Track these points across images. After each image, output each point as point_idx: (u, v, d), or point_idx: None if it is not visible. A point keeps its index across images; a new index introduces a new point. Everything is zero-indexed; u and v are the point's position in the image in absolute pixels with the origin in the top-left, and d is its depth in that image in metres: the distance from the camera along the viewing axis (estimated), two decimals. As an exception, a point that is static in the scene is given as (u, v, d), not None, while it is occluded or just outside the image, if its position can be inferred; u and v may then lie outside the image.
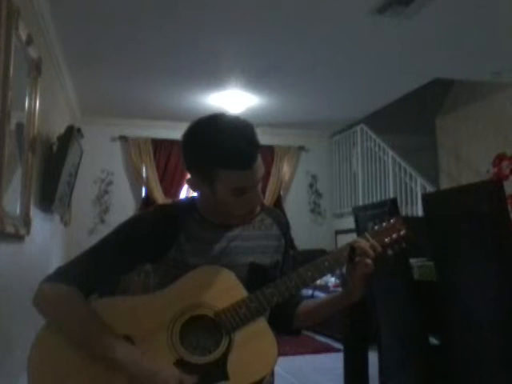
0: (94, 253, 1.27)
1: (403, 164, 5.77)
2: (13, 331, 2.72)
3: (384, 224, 1.33)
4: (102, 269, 1.24)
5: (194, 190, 1.30)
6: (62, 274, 1.23)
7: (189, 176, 1.28)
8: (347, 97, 5.55)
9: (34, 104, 3.03)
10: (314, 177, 6.97)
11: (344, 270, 1.31)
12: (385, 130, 6.17)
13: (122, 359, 1.12)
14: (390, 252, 1.31)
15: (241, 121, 1.22)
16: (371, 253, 1.24)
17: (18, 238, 2.83)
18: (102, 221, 6.02)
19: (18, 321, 2.81)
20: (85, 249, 1.28)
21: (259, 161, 1.20)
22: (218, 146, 1.16)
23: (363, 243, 1.26)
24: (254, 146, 1.18)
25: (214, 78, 4.81)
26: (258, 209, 1.31)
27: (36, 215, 3.36)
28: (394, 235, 1.32)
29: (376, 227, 1.33)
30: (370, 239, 1.27)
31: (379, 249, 1.26)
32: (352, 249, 1.25)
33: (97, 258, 1.26)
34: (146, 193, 6.25)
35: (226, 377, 1.15)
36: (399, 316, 2.23)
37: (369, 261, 1.23)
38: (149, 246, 1.27)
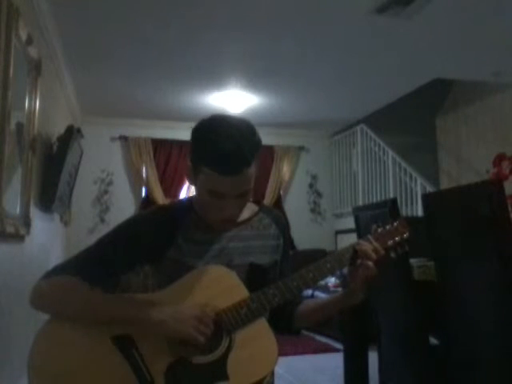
0: (92, 251, 1.26)
1: (403, 164, 5.77)
2: (13, 331, 2.72)
3: (387, 227, 1.32)
4: (99, 267, 1.24)
5: (188, 180, 1.30)
6: (60, 270, 1.23)
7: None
8: (347, 97, 5.55)
9: (34, 104, 3.03)
10: (314, 177, 6.96)
11: (345, 270, 1.30)
12: (385, 130, 6.17)
13: (143, 313, 1.15)
14: (392, 255, 1.31)
15: (243, 130, 1.19)
16: (374, 256, 1.24)
17: (18, 237, 2.83)
18: (102, 220, 6.02)
19: (18, 320, 2.81)
20: (84, 248, 1.28)
21: (245, 175, 1.17)
22: (208, 143, 1.17)
23: (366, 246, 1.25)
24: (242, 158, 1.15)
25: (215, 78, 4.81)
26: (237, 221, 1.29)
27: (36, 215, 3.36)
28: (397, 238, 1.31)
29: (379, 229, 1.32)
30: (373, 242, 1.27)
31: (382, 252, 1.26)
32: (354, 252, 1.25)
33: (94, 256, 1.25)
34: (146, 193, 6.24)
35: (226, 377, 1.15)
36: (399, 316, 2.24)
37: (371, 264, 1.23)
38: (147, 246, 1.26)
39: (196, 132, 1.23)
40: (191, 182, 1.28)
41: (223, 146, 1.14)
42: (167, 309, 1.17)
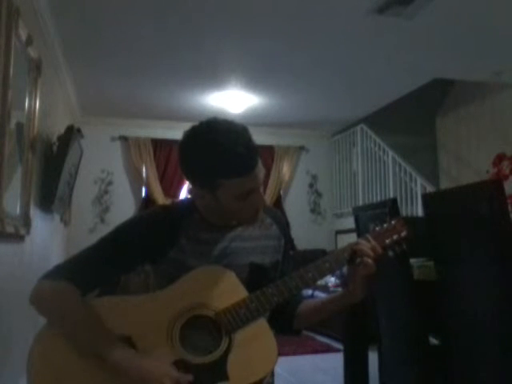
0: (93, 252, 1.26)
1: (403, 164, 5.77)
2: (13, 331, 2.72)
3: (385, 225, 1.34)
4: (100, 268, 1.24)
5: (197, 199, 1.30)
6: (60, 272, 1.23)
7: (189, 184, 1.28)
8: (347, 97, 5.55)
9: (34, 104, 3.03)
10: (314, 177, 6.97)
11: (344, 270, 1.31)
12: (385, 130, 6.17)
13: (116, 357, 1.12)
14: (390, 253, 1.32)
15: (235, 126, 1.20)
16: (371, 253, 1.25)
17: (18, 237, 2.83)
18: (102, 220, 6.03)
19: (18, 321, 2.81)
20: (84, 248, 1.28)
21: (259, 162, 1.21)
22: (217, 157, 1.16)
23: (364, 245, 1.26)
24: (252, 150, 1.18)
25: (214, 78, 4.81)
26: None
27: (36, 215, 3.36)
28: (395, 236, 1.32)
29: (377, 228, 1.33)
30: (372, 240, 1.28)
31: (380, 250, 1.27)
32: (353, 251, 1.26)
33: (96, 256, 1.25)
34: (146, 193, 6.25)
35: (225, 377, 1.15)
36: (399, 316, 2.23)
37: (370, 261, 1.24)
38: (148, 247, 1.26)
39: (193, 157, 1.20)
40: (207, 200, 1.25)
41: (235, 150, 1.15)
42: (138, 361, 1.13)
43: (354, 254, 1.26)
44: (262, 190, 1.26)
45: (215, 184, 1.19)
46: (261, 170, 1.21)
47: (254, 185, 1.21)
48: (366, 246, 1.26)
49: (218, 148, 1.15)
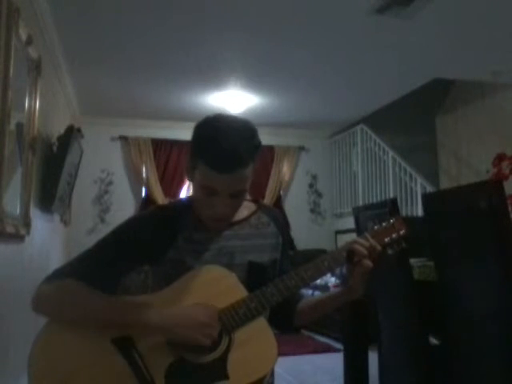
0: (92, 254, 1.26)
1: (403, 164, 5.77)
2: (13, 331, 2.72)
3: (384, 224, 1.34)
4: (99, 269, 1.23)
5: (186, 175, 1.31)
6: (61, 273, 1.23)
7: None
8: (347, 97, 5.55)
9: (34, 104, 3.03)
10: (314, 177, 6.97)
11: (344, 270, 1.31)
12: (385, 130, 6.17)
13: (156, 321, 1.15)
14: (390, 252, 1.32)
15: (242, 130, 1.21)
16: (366, 253, 1.24)
17: (18, 237, 2.83)
18: (102, 220, 6.03)
19: (18, 321, 2.81)
20: (83, 250, 1.28)
21: (240, 174, 1.18)
22: (206, 139, 1.18)
23: (360, 244, 1.26)
24: (237, 157, 1.16)
25: (214, 78, 4.82)
26: (228, 222, 1.29)
27: (36, 215, 3.36)
28: (394, 235, 1.32)
29: (376, 227, 1.33)
30: (370, 239, 1.28)
31: (379, 248, 1.27)
32: (350, 250, 1.26)
33: (95, 258, 1.25)
34: (146, 193, 6.25)
35: (225, 376, 1.15)
36: (399, 316, 2.24)
37: (366, 261, 1.24)
38: (147, 247, 1.26)
39: (197, 127, 1.24)
40: (189, 178, 1.28)
41: (219, 143, 1.16)
42: (170, 313, 1.16)
43: (351, 252, 1.26)
44: (230, 204, 1.22)
45: (195, 161, 1.20)
46: (238, 182, 1.19)
47: (222, 188, 1.18)
48: (363, 245, 1.25)
49: (212, 133, 1.18)
